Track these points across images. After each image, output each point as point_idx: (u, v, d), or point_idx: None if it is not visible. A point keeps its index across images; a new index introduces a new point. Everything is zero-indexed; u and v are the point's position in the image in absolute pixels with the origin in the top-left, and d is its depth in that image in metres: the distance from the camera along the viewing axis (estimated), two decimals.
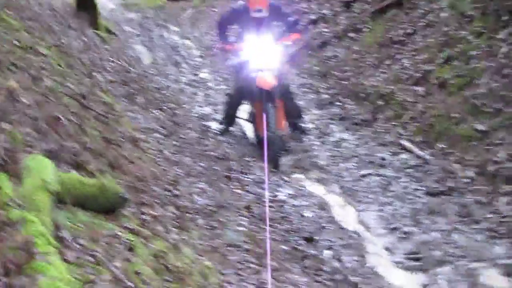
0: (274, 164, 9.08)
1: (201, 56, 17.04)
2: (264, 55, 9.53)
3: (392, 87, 10.78)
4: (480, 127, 8.76)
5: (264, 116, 9.09)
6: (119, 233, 4.40)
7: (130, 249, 4.31)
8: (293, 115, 10.14)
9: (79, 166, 5.32)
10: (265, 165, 8.17)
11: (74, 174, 4.78)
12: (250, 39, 9.66)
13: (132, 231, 4.70)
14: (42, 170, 4.08)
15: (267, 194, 7.41)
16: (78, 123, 6.36)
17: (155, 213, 5.63)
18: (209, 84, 14.19)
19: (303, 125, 10.32)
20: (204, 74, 15.14)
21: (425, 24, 11.41)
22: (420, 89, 10.30)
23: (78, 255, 3.72)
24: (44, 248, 3.36)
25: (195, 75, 15.02)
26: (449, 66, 10.13)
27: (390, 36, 12.02)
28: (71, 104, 6.73)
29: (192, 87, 13.69)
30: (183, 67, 15.83)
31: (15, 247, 3.29)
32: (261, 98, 9.42)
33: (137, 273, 4.03)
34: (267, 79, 9.32)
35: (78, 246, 3.84)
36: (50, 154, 5.14)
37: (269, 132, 9.02)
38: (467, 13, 10.54)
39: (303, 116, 10.43)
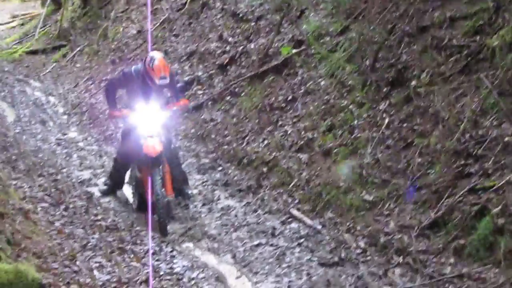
0: (163, 232, 9.00)
1: (67, 114, 16.66)
2: (152, 121, 9.46)
3: (276, 153, 10.87)
4: (368, 197, 8.96)
5: (150, 181, 9.07)
6: None
7: None
8: (179, 180, 10.07)
9: None
10: (149, 231, 8.12)
11: None
12: (139, 105, 9.55)
13: None
14: None
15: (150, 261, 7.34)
16: None
17: None
18: (80, 144, 13.88)
19: (189, 191, 10.27)
20: (73, 134, 14.82)
21: (305, 92, 11.61)
22: (304, 156, 10.45)
23: None
24: None
25: (64, 134, 14.67)
26: (332, 134, 10.34)
27: (269, 102, 12.14)
28: None
29: (63, 148, 13.35)
30: (49, 125, 15.43)
31: None
32: (148, 164, 9.35)
33: None
34: (154, 145, 9.27)
35: None
36: None
37: (156, 198, 9.00)
38: (347, 83, 10.84)
39: (189, 182, 10.40)
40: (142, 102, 9.58)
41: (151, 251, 7.80)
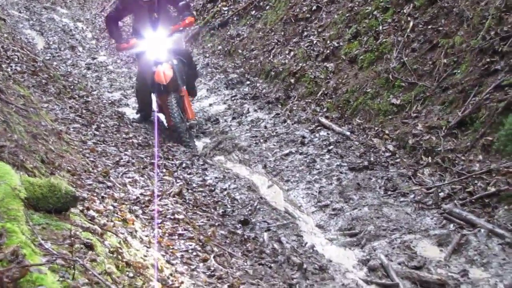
0: (193, 150, 9.12)
1: (95, 39, 16.76)
2: (159, 46, 9.42)
3: (302, 64, 10.90)
4: (395, 101, 8.99)
5: (167, 107, 9.23)
6: (77, 233, 4.33)
7: (91, 248, 4.26)
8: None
9: (17, 166, 5.20)
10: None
11: (23, 176, 4.66)
12: (144, 31, 9.48)
13: (86, 229, 4.63)
14: (6, 177, 3.98)
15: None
16: (3, 119, 6.21)
17: (99, 208, 5.56)
18: (110, 67, 14.00)
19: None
20: (102, 57, 14.94)
21: (329, 0, 11.56)
22: (330, 65, 10.47)
23: (49, 259, 3.64)
24: (34, 259, 3.30)
25: (93, 58, 14.79)
26: (358, 41, 10.33)
27: (294, 13, 12.11)
28: None
29: (93, 72, 13.48)
30: (79, 50, 15.54)
31: (5, 260, 3.20)
32: (161, 91, 9.41)
33: (107, 272, 4.01)
34: (164, 71, 9.26)
35: (47, 251, 3.76)
36: None
37: (179, 122, 9.11)
38: None
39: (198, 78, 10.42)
40: (147, 27, 9.49)
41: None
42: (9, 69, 9.05)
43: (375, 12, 10.38)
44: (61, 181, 4.81)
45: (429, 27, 9.32)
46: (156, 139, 8.55)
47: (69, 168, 6.34)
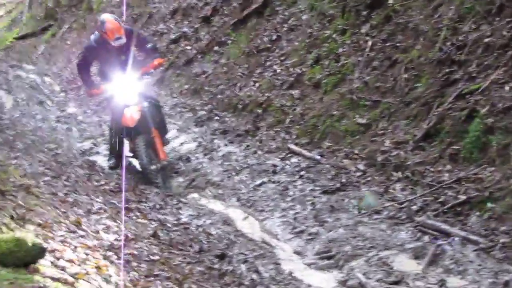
0: (167, 190, 9.11)
1: (64, 91, 16.76)
2: (128, 90, 9.38)
3: (268, 94, 10.95)
4: (362, 120, 9.05)
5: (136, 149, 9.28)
6: (46, 284, 4.31)
7: None
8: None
9: None
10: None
11: None
12: (114, 75, 9.45)
13: (57, 279, 4.61)
14: None
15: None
16: None
17: (71, 257, 5.53)
18: (80, 118, 14.00)
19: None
20: (71, 109, 14.93)
21: (288, 29, 11.67)
22: (295, 92, 10.52)
23: None
24: None
25: (62, 111, 14.77)
26: (320, 66, 10.41)
27: (255, 44, 12.20)
28: None
29: (63, 124, 13.48)
30: (48, 104, 15.53)
31: None
32: (131, 134, 9.39)
33: None
34: (132, 115, 9.24)
35: None
36: None
37: (147, 164, 9.11)
38: (328, 12, 10.87)
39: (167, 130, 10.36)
40: (115, 70, 9.46)
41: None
42: None
43: (334, 35, 10.48)
44: (27, 234, 4.79)
45: (387, 44, 9.44)
46: (123, 183, 8.51)
47: (39, 221, 6.30)
